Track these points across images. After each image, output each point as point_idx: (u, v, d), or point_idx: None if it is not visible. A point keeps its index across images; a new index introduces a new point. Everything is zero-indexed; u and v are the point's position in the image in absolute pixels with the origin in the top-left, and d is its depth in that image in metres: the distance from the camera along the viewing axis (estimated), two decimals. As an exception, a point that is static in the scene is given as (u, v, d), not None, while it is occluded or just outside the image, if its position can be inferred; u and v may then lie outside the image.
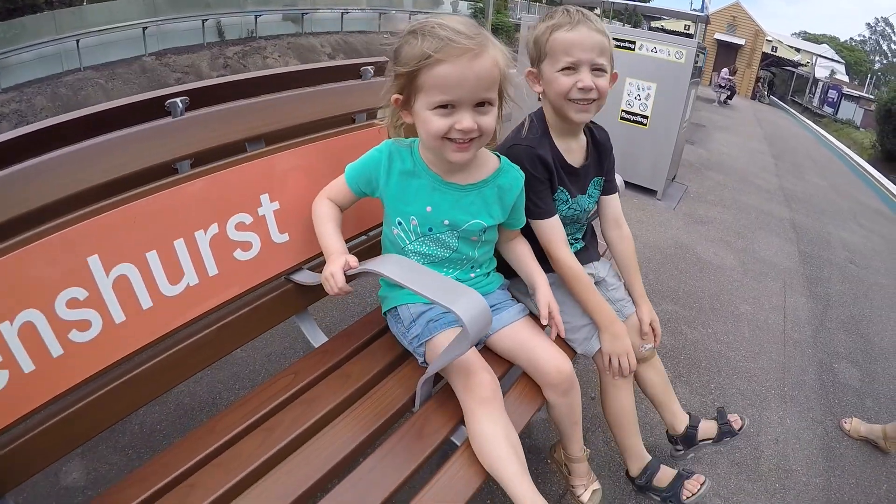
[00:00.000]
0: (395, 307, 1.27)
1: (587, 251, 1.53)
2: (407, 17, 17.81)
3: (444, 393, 1.19)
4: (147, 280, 1.06)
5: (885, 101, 17.63)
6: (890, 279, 4.07)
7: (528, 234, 1.37)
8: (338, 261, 1.11)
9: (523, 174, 1.26)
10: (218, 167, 1.16)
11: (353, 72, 2.03)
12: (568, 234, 1.41)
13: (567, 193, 1.38)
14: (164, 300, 1.09)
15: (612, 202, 1.54)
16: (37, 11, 12.28)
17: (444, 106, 1.04)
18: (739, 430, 1.69)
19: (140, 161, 1.10)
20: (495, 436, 1.05)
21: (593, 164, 1.44)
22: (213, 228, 1.14)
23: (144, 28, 12.57)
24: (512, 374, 1.31)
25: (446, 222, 1.19)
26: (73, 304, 0.97)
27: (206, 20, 13.59)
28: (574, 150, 1.40)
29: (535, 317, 1.33)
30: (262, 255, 1.24)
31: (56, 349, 0.96)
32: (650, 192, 4.66)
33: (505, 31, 19.46)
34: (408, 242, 1.23)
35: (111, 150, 1.09)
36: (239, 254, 1.20)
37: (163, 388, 1.13)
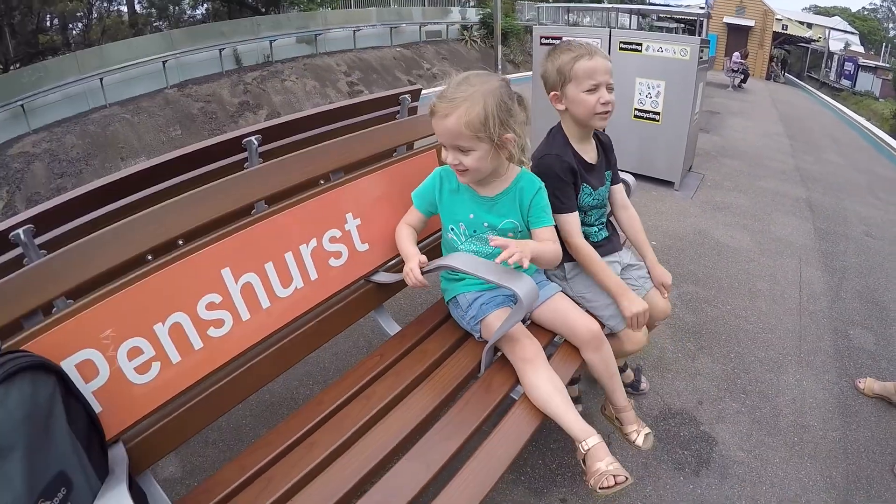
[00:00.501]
0: (455, 296, 1.58)
1: (611, 242, 1.81)
2: (417, 29, 18.03)
3: (500, 361, 1.48)
4: (266, 285, 1.36)
5: (902, 70, 17.30)
6: (906, 248, 4.06)
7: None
8: (414, 260, 1.45)
9: (540, 180, 1.52)
10: (315, 193, 1.47)
11: (393, 100, 2.35)
12: (595, 218, 1.75)
13: (590, 187, 1.68)
14: (278, 301, 1.39)
15: (618, 190, 1.87)
16: (57, 53, 12.55)
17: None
18: (639, 391, 2.16)
19: (246, 197, 1.39)
20: (542, 382, 1.35)
21: (603, 160, 1.76)
22: (313, 242, 1.46)
23: (164, 61, 12.75)
24: (553, 346, 1.59)
25: (486, 224, 1.50)
26: (210, 306, 1.26)
27: (223, 49, 13.82)
28: (589, 151, 1.71)
29: (566, 294, 1.63)
30: (349, 261, 1.55)
31: (197, 343, 1.24)
32: (668, 184, 4.81)
33: (515, 34, 19.65)
34: (460, 243, 1.55)
35: (227, 189, 1.37)
36: (332, 261, 1.51)
37: (282, 368, 1.42)
